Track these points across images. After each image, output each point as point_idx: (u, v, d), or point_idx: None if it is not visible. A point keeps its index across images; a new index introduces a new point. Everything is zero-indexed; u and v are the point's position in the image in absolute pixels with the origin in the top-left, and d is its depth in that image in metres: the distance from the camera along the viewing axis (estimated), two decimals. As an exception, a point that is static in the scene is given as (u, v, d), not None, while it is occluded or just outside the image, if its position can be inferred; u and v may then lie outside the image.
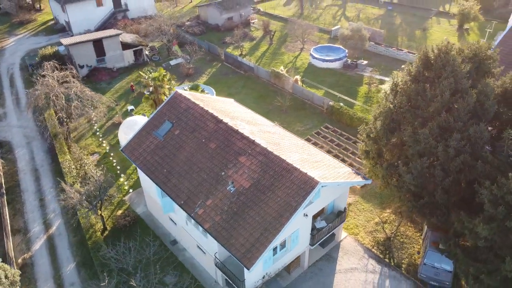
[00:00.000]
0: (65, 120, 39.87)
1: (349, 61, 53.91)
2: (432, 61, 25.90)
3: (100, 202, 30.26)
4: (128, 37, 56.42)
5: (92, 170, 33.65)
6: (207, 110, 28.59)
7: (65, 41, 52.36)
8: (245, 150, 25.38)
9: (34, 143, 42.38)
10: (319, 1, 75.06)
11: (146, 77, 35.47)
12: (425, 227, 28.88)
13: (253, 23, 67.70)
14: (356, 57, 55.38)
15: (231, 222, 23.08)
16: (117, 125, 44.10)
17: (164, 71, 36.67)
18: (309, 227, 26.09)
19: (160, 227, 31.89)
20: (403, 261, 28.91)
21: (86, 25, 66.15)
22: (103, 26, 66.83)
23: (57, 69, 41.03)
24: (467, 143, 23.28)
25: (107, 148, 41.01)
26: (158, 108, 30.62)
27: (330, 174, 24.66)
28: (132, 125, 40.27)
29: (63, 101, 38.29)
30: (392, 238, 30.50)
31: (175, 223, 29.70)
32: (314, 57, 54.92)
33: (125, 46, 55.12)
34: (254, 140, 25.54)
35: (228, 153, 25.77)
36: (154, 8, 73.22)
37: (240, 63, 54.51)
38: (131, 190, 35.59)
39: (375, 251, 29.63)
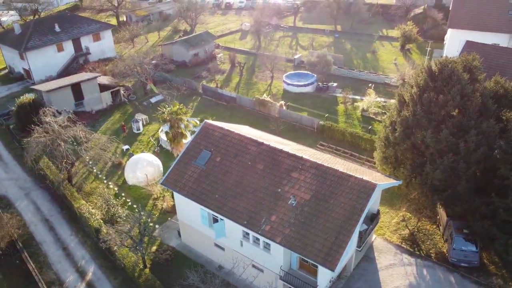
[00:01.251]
0: (68, 166, 38.87)
1: (320, 85, 58.62)
2: (436, 73, 30.46)
3: (142, 239, 30.23)
4: (104, 79, 56.21)
5: (120, 210, 33.40)
6: (245, 135, 30.46)
7: (43, 87, 50.90)
8: (295, 166, 27.57)
9: (33, 193, 40.46)
10: (272, 34, 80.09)
11: (165, 111, 36.26)
12: (445, 218, 32.77)
13: (219, 57, 70.56)
14: (324, 80, 60.27)
15: (302, 232, 24.91)
16: (117, 166, 43.75)
17: (179, 104, 37.74)
18: (358, 231, 28.63)
19: (201, 256, 32.37)
20: (430, 251, 32.39)
21: (47, 72, 64.37)
22: (65, 71, 65.46)
23: (54, 115, 40.13)
24: (483, 137, 27.75)
25: (116, 189, 40.47)
26: (191, 139, 31.74)
27: (374, 178, 27.64)
28: (139, 163, 40.53)
29: (70, 146, 37.55)
30: (415, 233, 34.02)
31: (223, 248, 30.53)
32: (287, 84, 58.86)
33: (102, 88, 54.83)
34: (302, 156, 27.88)
35: (279, 171, 27.75)
36: (114, 50, 73.29)
37: (221, 94, 56.71)
38: (157, 226, 35.58)
39: (405, 246, 32.85)
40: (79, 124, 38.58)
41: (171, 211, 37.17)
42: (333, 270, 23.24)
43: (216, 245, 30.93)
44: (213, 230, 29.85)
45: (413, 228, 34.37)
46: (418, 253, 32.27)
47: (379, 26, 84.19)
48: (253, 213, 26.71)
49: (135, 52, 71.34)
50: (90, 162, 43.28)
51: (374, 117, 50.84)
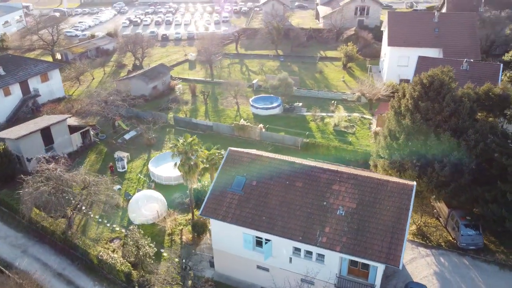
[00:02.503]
0: (73, 213, 36.77)
1: (287, 106, 62.05)
2: (427, 84, 35.14)
3: (187, 276, 29.98)
4: (72, 120, 53.57)
5: (149, 249, 32.59)
6: (275, 157, 32.09)
7: (11, 134, 47.10)
8: (333, 179, 29.85)
9: (32, 249, 37.25)
10: (220, 61, 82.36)
11: (178, 144, 36.06)
12: (446, 210, 37.21)
13: (179, 88, 70.85)
14: (288, 101, 63.84)
15: (358, 238, 27.11)
16: (113, 207, 42.04)
17: (191, 136, 37.85)
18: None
19: (241, 282, 32.81)
20: (439, 240, 36.51)
21: (-5, 118, 59.34)
22: (15, 116, 60.90)
23: (48, 161, 37.81)
24: (479, 135, 32.74)
25: (123, 230, 38.97)
26: (221, 168, 32.39)
27: (400, 181, 30.93)
28: (142, 201, 39.63)
29: (74, 192, 35.66)
30: (421, 227, 38.03)
31: (267, 269, 31.40)
32: (256, 108, 61.34)
33: (72, 129, 52.26)
34: (337, 170, 30.29)
35: (319, 186, 29.79)
36: (63, 90, 69.83)
37: (195, 124, 57.23)
38: (184, 261, 35.10)
39: (418, 240, 36.60)
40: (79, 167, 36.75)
41: (192, 243, 36.96)
42: (398, 267, 25.71)
43: (259, 267, 31.68)
44: (257, 253, 30.75)
45: (419, 223, 38.39)
46: (430, 244, 36.18)
47: (315, 49, 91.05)
48: (305, 228, 28.29)
49: (87, 90, 68.79)
50: (84, 208, 40.99)
51: (345, 130, 55.27)
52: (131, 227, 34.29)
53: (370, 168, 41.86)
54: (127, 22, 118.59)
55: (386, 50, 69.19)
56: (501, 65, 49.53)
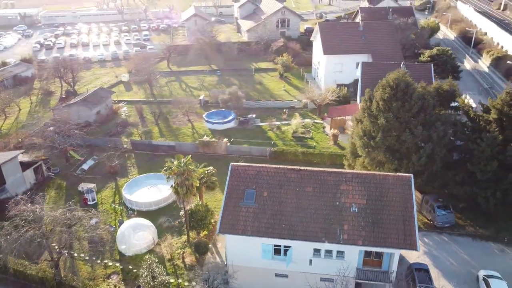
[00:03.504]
0: (64, 255, 34.05)
1: (241, 118, 63.49)
2: (395, 86, 39.32)
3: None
4: (21, 156, 48.89)
5: (165, 277, 31.66)
6: (279, 166, 33.43)
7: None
8: (339, 180, 32.11)
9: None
10: (157, 81, 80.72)
11: (173, 166, 35.11)
12: (419, 196, 41.72)
13: (124, 111, 68.19)
14: (240, 114, 65.31)
15: (376, 230, 29.67)
16: (96, 242, 39.60)
17: (183, 156, 37.06)
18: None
19: (259, 293, 33.36)
20: (418, 224, 40.78)
21: None
22: None
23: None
24: (445, 126, 37.64)
25: (118, 265, 36.97)
26: (229, 184, 32.71)
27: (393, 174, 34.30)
28: (131, 231, 38.10)
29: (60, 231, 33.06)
30: (400, 215, 42.08)
31: (286, 276, 32.47)
32: (212, 123, 61.81)
33: (23, 166, 47.82)
34: (342, 171, 32.66)
35: (328, 188, 31.82)
36: (-11, 124, 63.07)
37: (156, 146, 55.88)
38: (194, 283, 34.55)
39: (401, 226, 40.46)
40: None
41: (196, 264, 36.48)
42: (416, 250, 28.72)
43: (278, 275, 32.62)
44: (276, 262, 31.76)
45: (397, 211, 42.41)
46: (412, 228, 40.27)
47: (247, 61, 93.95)
48: (326, 229, 30.08)
49: (18, 122, 63.07)
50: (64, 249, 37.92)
51: (303, 136, 58.42)
52: (146, 258, 32.75)
53: (345, 168, 45.27)
54: (38, 45, 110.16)
55: (321, 58, 74.30)
56: (431, 64, 56.77)
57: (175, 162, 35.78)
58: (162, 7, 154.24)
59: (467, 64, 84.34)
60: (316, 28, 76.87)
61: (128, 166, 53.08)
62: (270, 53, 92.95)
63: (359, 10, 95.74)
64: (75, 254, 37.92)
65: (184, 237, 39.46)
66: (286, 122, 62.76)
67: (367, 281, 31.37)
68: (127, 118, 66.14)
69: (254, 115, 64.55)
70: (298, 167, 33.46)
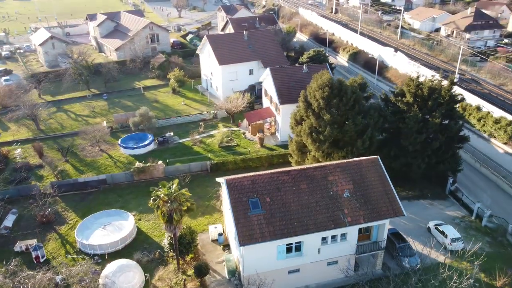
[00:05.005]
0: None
1: (160, 139, 61.98)
2: (330, 85, 45.02)
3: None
4: None
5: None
6: (270, 172, 35.52)
7: None
8: (325, 173, 35.99)
9: None
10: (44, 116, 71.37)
11: (164, 194, 32.99)
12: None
13: (18, 153, 59.01)
14: (156, 134, 63.60)
15: (369, 208, 34.57)
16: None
17: (167, 183, 34.98)
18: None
19: (275, 293, 34.95)
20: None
21: None
22: None
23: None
24: (378, 114, 44.97)
25: (113, 314, 33.73)
26: (231, 199, 33.28)
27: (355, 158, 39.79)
28: (114, 276, 35.37)
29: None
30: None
31: (297, 270, 34.93)
32: (132, 148, 58.87)
33: None
34: (324, 165, 36.57)
35: (319, 182, 35.38)
36: None
37: (83, 183, 50.80)
38: (208, 305, 34.17)
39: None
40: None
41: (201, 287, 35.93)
42: (403, 215, 34.58)
43: (290, 271, 34.83)
44: (289, 259, 34.09)
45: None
46: (362, 203, 46.83)
47: (128, 81, 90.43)
48: (331, 217, 33.61)
49: None
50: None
51: (230, 144, 60.61)
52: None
53: (292, 165, 49.57)
54: None
55: (215, 69, 76.92)
56: (327, 64, 65.23)
57: (163, 190, 34.39)
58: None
59: (330, 60, 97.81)
60: (204, 40, 79.16)
61: (61, 211, 47.13)
62: (152, 70, 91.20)
63: (228, 21, 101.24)
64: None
65: (172, 266, 38.04)
66: (205, 135, 63.81)
67: (365, 254, 36.09)
68: (26, 161, 57.60)
69: (171, 133, 63.68)
70: (288, 169, 36.14)
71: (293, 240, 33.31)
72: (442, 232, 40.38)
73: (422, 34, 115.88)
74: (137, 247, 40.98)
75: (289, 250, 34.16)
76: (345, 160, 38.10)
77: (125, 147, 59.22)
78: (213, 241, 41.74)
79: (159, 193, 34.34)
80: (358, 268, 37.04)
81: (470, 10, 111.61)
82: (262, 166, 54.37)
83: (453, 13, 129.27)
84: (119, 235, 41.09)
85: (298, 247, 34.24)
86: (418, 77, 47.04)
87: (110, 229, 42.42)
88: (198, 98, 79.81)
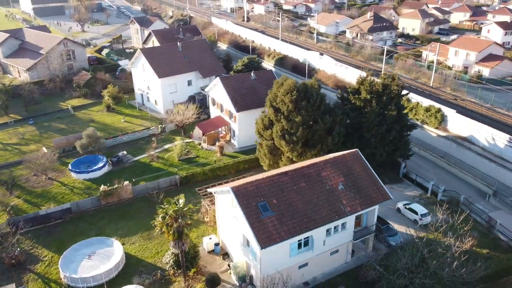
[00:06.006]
0: None
1: (113, 158, 59.08)
2: (296, 89, 47.90)
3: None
4: None
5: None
6: (271, 175, 36.99)
7: None
8: (318, 170, 38.58)
9: None
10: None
11: (173, 211, 31.80)
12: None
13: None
14: (108, 154, 60.44)
15: (363, 196, 38.00)
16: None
17: (171, 199, 33.72)
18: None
19: (288, 290, 36.43)
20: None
21: None
22: None
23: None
24: (342, 112, 49.02)
25: None
26: (241, 205, 33.96)
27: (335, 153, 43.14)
28: None
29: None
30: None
31: (306, 264, 36.91)
32: (87, 172, 55.34)
33: None
34: (315, 162, 39.12)
35: (315, 178, 37.81)
36: None
37: (46, 215, 46.45)
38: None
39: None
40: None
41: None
42: (391, 198, 38.65)
43: (300, 266, 36.64)
44: (300, 255, 35.92)
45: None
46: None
47: (52, 102, 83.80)
48: (333, 209, 36.23)
49: None
50: None
51: (189, 156, 60.25)
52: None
53: (264, 168, 51.52)
54: None
55: (153, 83, 75.27)
56: (272, 70, 68.26)
57: (170, 207, 33.72)
58: None
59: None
60: (137, 54, 76.96)
61: (35, 247, 42.76)
62: (77, 89, 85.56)
63: (151, 33, 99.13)
64: None
65: (177, 284, 37.30)
66: (160, 149, 62.47)
67: (360, 239, 39.46)
68: (-40, 201, 50.59)
69: (125, 152, 61.07)
70: (284, 170, 37.94)
71: (304, 236, 35.20)
72: (412, 210, 45.70)
73: (329, 37, 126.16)
74: (132, 272, 39.20)
75: (299, 246, 35.93)
76: (331, 156, 41.12)
77: (78, 172, 55.35)
78: (209, 252, 41.66)
79: (164, 211, 33.57)
80: (353, 254, 40.32)
81: (369, 14, 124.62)
82: (229, 174, 55.24)
83: (351, 17, 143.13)
84: (112, 262, 38.87)
85: (307, 242, 36.20)
86: (367, 76, 52.30)
87: (97, 258, 39.88)
88: (137, 114, 77.31)
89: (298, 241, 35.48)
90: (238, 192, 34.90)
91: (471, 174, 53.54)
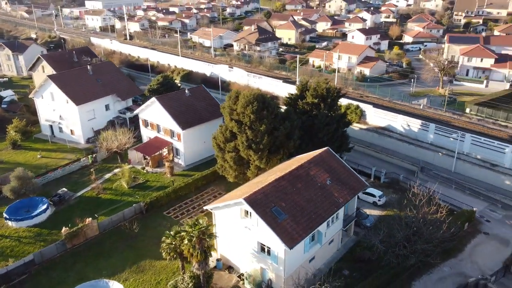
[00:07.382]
0: None
1: (54, 198, 53.18)
2: (258, 100, 50.44)
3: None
4: None
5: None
6: (271, 181, 39.06)
7: None
8: (308, 169, 42.00)
9: None
10: None
11: (193, 229, 30.71)
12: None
13: None
14: (46, 194, 53.99)
15: (347, 187, 42.67)
16: None
17: (188, 218, 32.26)
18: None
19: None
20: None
21: None
22: None
23: None
24: (298, 117, 53.24)
25: None
26: (258, 213, 35.31)
27: (313, 153, 47.11)
28: None
29: None
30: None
31: (313, 257, 39.98)
32: (31, 217, 48.90)
33: None
34: (302, 163, 42.47)
35: (307, 178, 41.13)
36: None
37: (5, 274, 39.98)
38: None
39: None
40: None
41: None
42: (368, 186, 44.29)
43: (310, 260, 39.53)
44: (310, 250, 38.91)
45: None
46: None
47: None
48: (331, 202, 40.03)
49: None
50: None
51: (138, 182, 57.65)
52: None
53: (230, 180, 52.86)
54: None
55: (69, 111, 69.19)
56: (203, 85, 69.08)
57: (195, 228, 33.17)
58: None
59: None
60: (43, 82, 69.76)
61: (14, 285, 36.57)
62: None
63: (41, 58, 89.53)
64: None
65: (197, 305, 36.64)
66: (101, 180, 58.33)
67: (348, 226, 44.16)
68: None
69: (64, 189, 55.30)
70: (281, 175, 40.34)
71: (320, 228, 38.25)
72: (369, 194, 52.36)
73: (217, 51, 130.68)
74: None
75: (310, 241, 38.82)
76: (311, 155, 44.88)
77: (20, 220, 48.48)
78: (211, 269, 41.48)
79: (187, 234, 33.05)
80: (342, 240, 44.85)
81: (253, 27, 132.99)
82: (190, 192, 54.89)
83: (233, 30, 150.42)
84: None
85: (313, 237, 39.26)
86: (307, 82, 57.76)
87: (97, 302, 36.49)
88: (52, 147, 69.99)
89: (310, 237, 38.36)
90: (251, 202, 36.16)
91: (396, 157, 63.26)
